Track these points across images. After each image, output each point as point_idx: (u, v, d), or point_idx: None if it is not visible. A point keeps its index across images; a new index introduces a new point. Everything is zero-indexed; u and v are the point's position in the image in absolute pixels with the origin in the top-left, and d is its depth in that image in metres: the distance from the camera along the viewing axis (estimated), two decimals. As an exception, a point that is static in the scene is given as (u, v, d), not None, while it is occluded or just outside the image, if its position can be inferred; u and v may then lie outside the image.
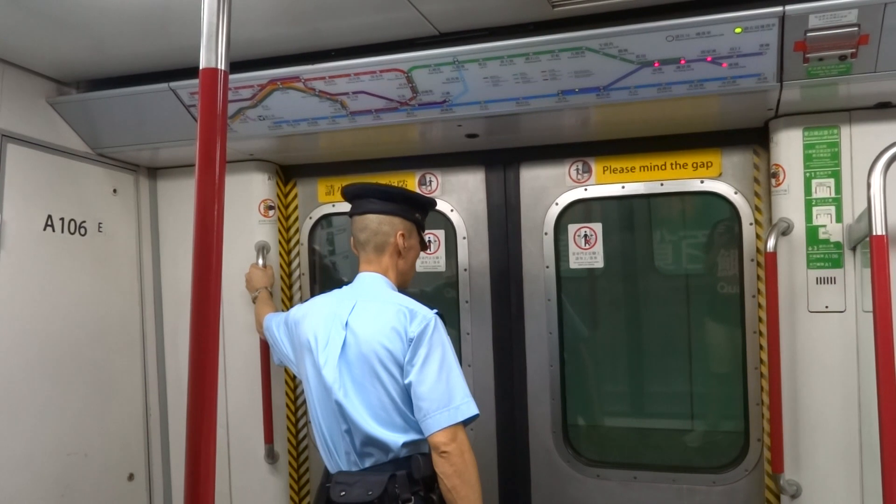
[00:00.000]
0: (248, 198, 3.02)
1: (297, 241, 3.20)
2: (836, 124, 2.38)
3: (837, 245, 2.39)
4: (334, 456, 1.99)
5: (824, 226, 2.40)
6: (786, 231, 2.42)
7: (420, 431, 1.91)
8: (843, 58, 2.02)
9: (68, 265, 2.74)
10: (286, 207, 3.19)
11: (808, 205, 2.42)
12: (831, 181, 2.39)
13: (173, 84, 2.50)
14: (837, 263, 2.39)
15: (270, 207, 3.02)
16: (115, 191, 2.96)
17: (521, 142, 2.80)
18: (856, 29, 1.95)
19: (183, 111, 2.55)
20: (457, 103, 2.37)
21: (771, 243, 2.39)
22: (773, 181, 2.49)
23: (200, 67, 1.15)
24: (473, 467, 1.87)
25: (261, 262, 2.93)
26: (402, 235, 2.11)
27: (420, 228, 2.18)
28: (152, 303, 3.16)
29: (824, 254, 2.40)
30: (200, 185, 1.13)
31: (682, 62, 2.12)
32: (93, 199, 2.87)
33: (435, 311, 2.00)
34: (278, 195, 3.11)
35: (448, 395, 1.83)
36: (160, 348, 3.20)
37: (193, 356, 1.10)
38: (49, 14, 2.11)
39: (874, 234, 1.90)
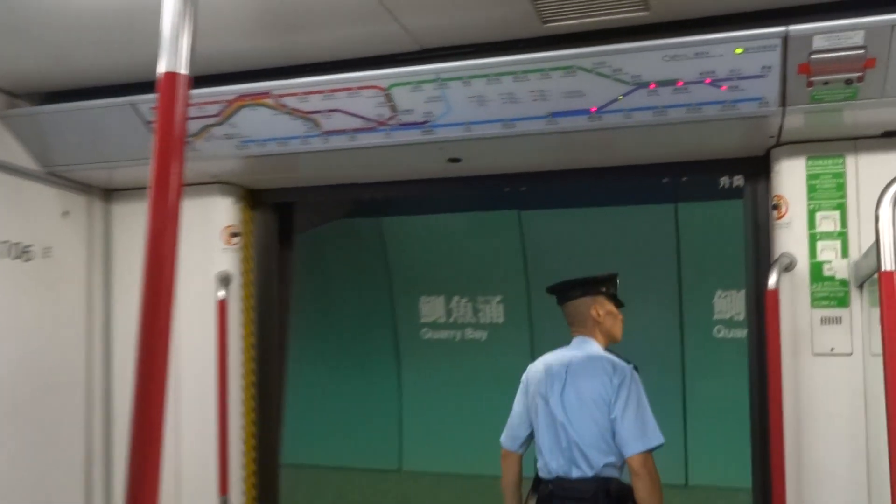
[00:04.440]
0: (210, 223, 2.97)
1: (264, 272, 3.21)
2: (842, 153, 2.40)
3: (843, 283, 2.38)
4: (551, 466, 2.68)
5: (829, 262, 2.39)
6: (788, 267, 2.41)
7: (619, 455, 2.58)
8: (848, 82, 2.04)
9: (9, 293, 2.67)
10: (253, 234, 3.13)
11: (812, 239, 2.42)
12: (836, 214, 2.40)
13: (133, 98, 2.47)
14: (843, 302, 2.38)
15: (235, 234, 2.98)
16: (65, 213, 2.90)
17: (507, 168, 2.79)
18: (862, 52, 1.97)
19: (143, 128, 2.51)
20: (439, 124, 2.36)
21: (772, 280, 2.37)
22: (774, 213, 2.49)
23: (159, 71, 1.13)
24: (658, 485, 2.54)
25: (221, 293, 2.88)
26: (595, 309, 2.73)
27: (610, 297, 2.76)
28: (101, 337, 3.09)
29: (829, 292, 2.39)
30: (155, 204, 1.11)
31: (680, 84, 2.14)
32: (41, 221, 2.81)
33: (631, 364, 2.66)
34: (244, 221, 3.06)
35: (642, 428, 2.52)
36: (107, 388, 3.11)
37: (138, 397, 1.07)
38: (-1, 20, 2.12)
39: (883, 269, 1.86)
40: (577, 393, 2.66)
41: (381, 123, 2.39)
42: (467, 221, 5.51)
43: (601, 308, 2.77)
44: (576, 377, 2.69)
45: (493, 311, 5.64)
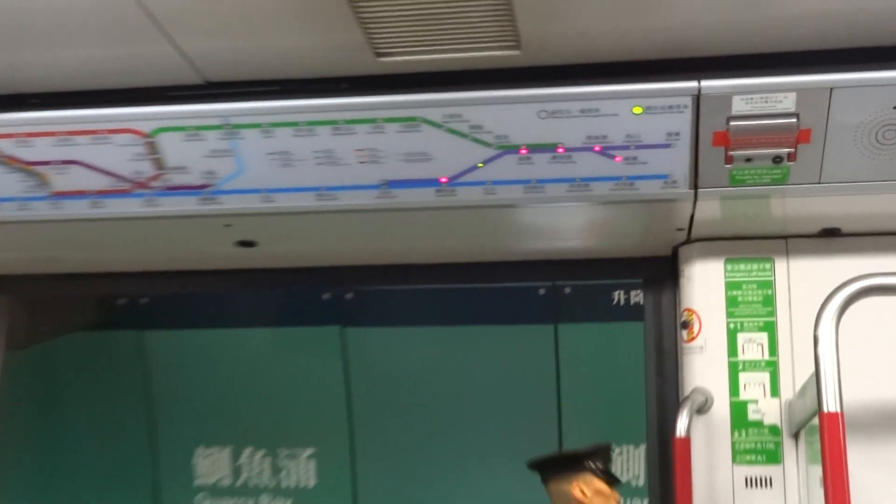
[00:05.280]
0: None
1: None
2: (770, 256, 2.48)
3: (774, 430, 2.41)
4: None
5: (755, 401, 2.43)
6: (702, 408, 2.43)
7: None
8: (777, 160, 2.11)
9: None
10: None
11: (734, 370, 2.45)
12: (764, 336, 2.45)
13: None
14: (774, 457, 2.40)
15: None
16: None
17: (323, 259, 2.76)
18: (794, 120, 2.04)
19: None
20: (225, 190, 2.29)
21: (681, 425, 2.35)
22: (683, 334, 2.53)
23: None
24: None
25: None
26: (579, 487, 2.72)
27: (599, 473, 2.73)
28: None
29: (756, 442, 2.40)
30: None
31: (560, 150, 2.14)
32: None
33: None
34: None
35: None
36: None
37: None
38: None
39: (825, 410, 1.88)
40: None
41: (140, 185, 2.29)
42: (267, 339, 5.31)
43: (587, 487, 2.79)
44: None
45: (301, 469, 5.34)
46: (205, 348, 5.62)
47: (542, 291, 3.81)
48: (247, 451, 5.68)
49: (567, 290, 3.86)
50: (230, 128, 2.19)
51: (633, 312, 4.00)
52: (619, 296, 4.50)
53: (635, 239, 2.52)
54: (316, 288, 2.97)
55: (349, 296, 3.53)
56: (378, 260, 2.79)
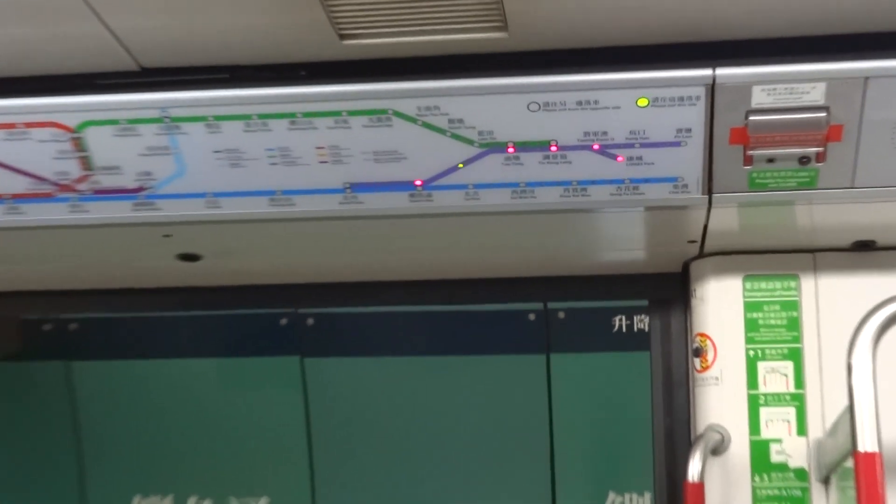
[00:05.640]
0: None
1: None
2: (795, 273, 2.46)
3: (801, 474, 2.39)
4: None
5: (779, 440, 2.41)
6: (718, 448, 2.41)
7: None
8: (804, 161, 2.07)
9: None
10: None
11: (754, 404, 2.43)
12: (788, 366, 2.43)
13: None
14: (801, 504, 2.48)
15: None
16: None
17: (279, 275, 2.76)
18: (823, 115, 2.00)
19: None
20: (164, 194, 2.25)
21: (694, 468, 2.31)
22: (695, 362, 2.51)
23: None
24: None
25: None
26: None
27: None
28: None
29: (781, 488, 2.39)
30: None
31: (553, 148, 2.10)
32: None
33: None
34: None
35: None
36: None
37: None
38: None
39: (860, 450, 1.86)
40: None
41: (65, 188, 2.25)
42: (215, 371, 5.08)
43: None
44: None
45: (255, 522, 5.58)
46: (143, 381, 5.49)
47: (531, 317, 3.76)
48: (191, 501, 5.69)
49: (561, 315, 3.81)
50: (170, 121, 2.15)
51: (636, 340, 3.95)
52: (620, 321, 4.44)
53: (639, 253, 2.50)
54: (272, 311, 2.93)
55: (310, 321, 3.47)
56: (343, 277, 2.79)
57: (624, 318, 4.15)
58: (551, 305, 3.84)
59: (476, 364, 5.10)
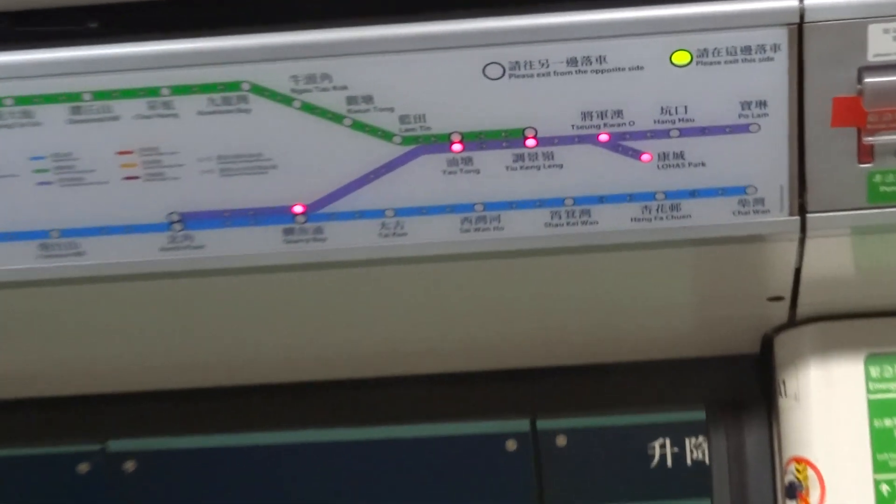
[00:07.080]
0: None
1: None
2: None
3: None
4: None
5: None
6: None
7: None
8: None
9: None
10: None
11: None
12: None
13: None
14: None
15: None
16: None
17: (75, 382, 2.49)
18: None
19: None
20: None
21: None
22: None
23: None
24: None
25: None
26: None
27: None
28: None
29: None
30: None
31: (530, 140, 1.68)
32: None
33: None
34: None
35: None
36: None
37: None
38: None
39: None
40: None
41: None
42: None
43: None
44: None
45: None
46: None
47: (510, 445, 3.63)
48: None
49: (560, 441, 3.75)
50: None
51: (688, 480, 3.91)
52: (661, 448, 4.41)
53: (686, 325, 2.15)
54: (65, 449, 3.01)
55: (129, 465, 3.46)
56: (166, 380, 2.53)
57: (668, 442, 4.05)
58: (542, 424, 3.75)
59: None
